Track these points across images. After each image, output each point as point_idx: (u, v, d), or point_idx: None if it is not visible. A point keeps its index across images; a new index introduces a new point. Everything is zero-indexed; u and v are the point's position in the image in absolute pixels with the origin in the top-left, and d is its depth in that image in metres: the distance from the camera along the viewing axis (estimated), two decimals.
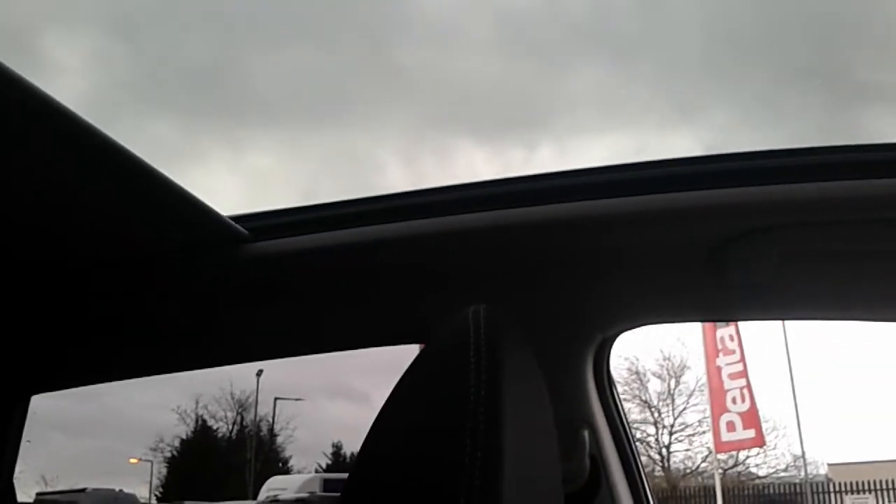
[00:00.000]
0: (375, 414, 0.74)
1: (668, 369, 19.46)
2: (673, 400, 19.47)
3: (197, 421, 23.87)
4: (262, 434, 23.84)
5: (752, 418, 13.00)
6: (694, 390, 18.78)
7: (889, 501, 16.49)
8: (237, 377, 22.89)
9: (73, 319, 1.37)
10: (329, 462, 23.52)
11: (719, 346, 13.35)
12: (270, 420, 23.80)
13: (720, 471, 16.51)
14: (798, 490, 17.67)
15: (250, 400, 23.48)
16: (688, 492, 19.04)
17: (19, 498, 1.63)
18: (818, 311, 1.34)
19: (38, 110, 0.90)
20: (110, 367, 1.57)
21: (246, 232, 1.21)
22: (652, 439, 19.42)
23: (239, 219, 1.21)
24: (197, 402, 23.66)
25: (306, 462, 23.99)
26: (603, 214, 1.14)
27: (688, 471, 19.42)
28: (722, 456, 16.28)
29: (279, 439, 24.17)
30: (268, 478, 17.44)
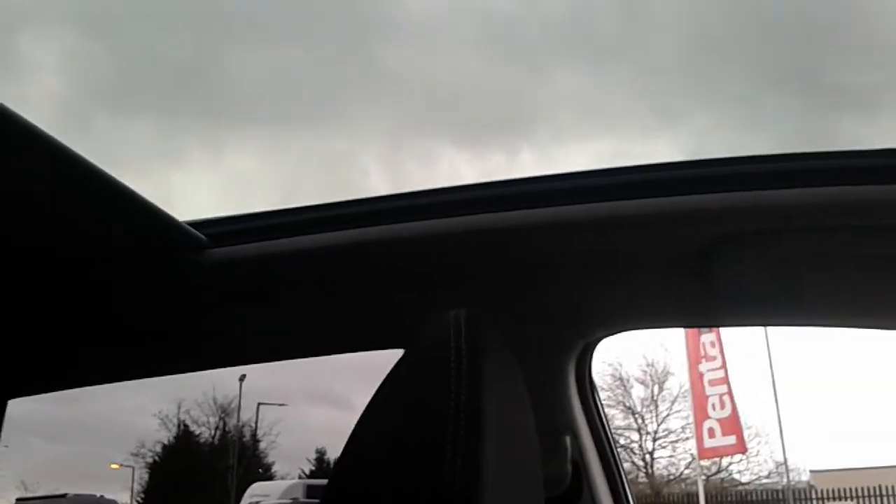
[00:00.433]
0: (357, 419, 0.73)
1: (651, 375, 19.59)
2: (656, 406, 19.59)
3: (179, 426, 23.78)
4: (244, 439, 23.76)
5: (732, 425, 13.08)
6: (677, 396, 18.91)
7: None
8: (220, 382, 22.82)
9: (43, 324, 1.36)
10: (313, 468, 23.48)
11: (702, 353, 13.43)
12: (253, 425, 23.74)
13: (703, 477, 16.60)
14: (780, 497, 17.80)
15: (233, 405, 23.41)
16: (671, 498, 19.13)
17: None
18: (802, 318, 1.34)
19: None
20: (84, 372, 1.56)
21: (205, 238, 1.20)
22: (636, 445, 19.52)
23: (197, 224, 1.20)
24: (179, 407, 23.58)
25: (290, 468, 23.93)
26: (586, 219, 1.14)
27: (671, 477, 19.53)
28: (705, 462, 16.38)
29: (262, 445, 24.11)
30: (250, 484, 17.38)
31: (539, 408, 0.80)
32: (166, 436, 23.54)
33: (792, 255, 1.15)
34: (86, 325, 1.38)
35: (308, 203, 1.25)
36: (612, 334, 1.37)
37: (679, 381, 18.42)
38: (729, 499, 18.48)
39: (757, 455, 18.06)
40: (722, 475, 18.69)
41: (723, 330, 12.68)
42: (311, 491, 15.29)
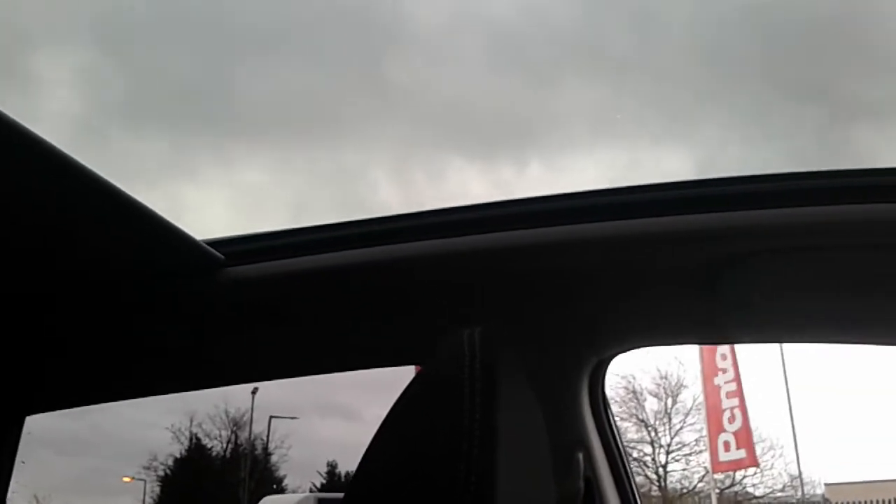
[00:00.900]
0: (368, 432, 0.75)
1: (665, 388, 19.41)
2: (670, 419, 19.40)
3: (191, 439, 23.71)
4: (256, 453, 23.69)
5: (744, 438, 12.97)
6: (691, 409, 18.72)
7: None
8: (232, 395, 22.76)
9: (62, 342, 1.38)
10: (324, 481, 23.37)
11: (718, 366, 13.33)
12: (265, 438, 23.67)
13: (717, 491, 16.45)
14: None
15: (245, 418, 23.36)
16: None
17: None
18: (813, 335, 1.34)
19: (13, 141, 0.90)
20: (101, 389, 1.58)
21: (222, 257, 1.21)
22: (649, 459, 19.33)
23: (215, 243, 1.22)
24: (191, 421, 23.53)
25: (301, 481, 23.84)
26: (597, 238, 1.15)
27: (684, 490, 19.33)
28: (719, 476, 16.22)
29: (273, 458, 24.02)
30: (262, 497, 17.32)
31: (552, 425, 0.81)
32: (178, 449, 23.49)
33: (800, 273, 1.16)
34: (104, 343, 1.40)
35: (319, 219, 1.27)
36: (624, 351, 1.37)
37: (693, 393, 18.27)
38: None
39: (771, 468, 17.86)
40: (735, 489, 18.50)
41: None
42: None
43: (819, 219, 1.08)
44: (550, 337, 1.32)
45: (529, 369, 0.78)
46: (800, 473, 17.53)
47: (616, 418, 1.44)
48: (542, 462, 0.78)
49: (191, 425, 23.48)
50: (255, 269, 1.23)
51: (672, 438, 19.29)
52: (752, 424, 13.12)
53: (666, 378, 19.30)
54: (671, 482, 19.30)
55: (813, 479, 18.86)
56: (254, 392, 21.55)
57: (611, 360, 1.39)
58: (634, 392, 19.25)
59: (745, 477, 17.96)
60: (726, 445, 13.01)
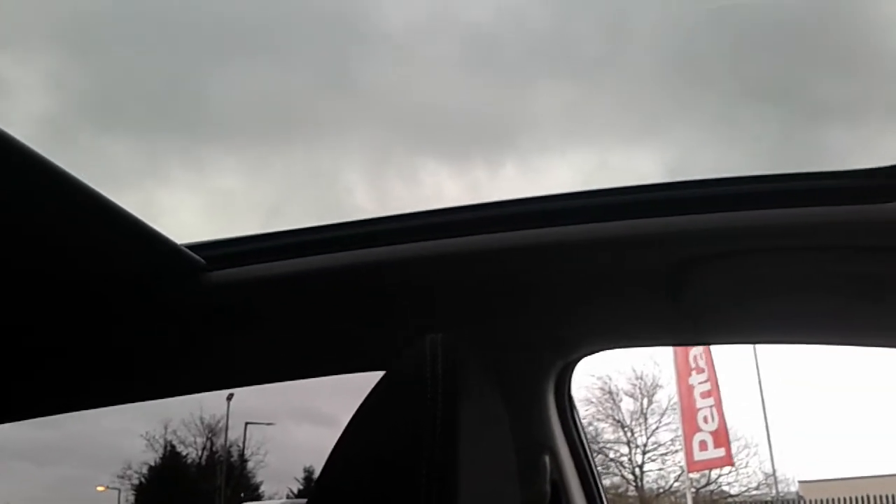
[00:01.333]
0: None
1: (640, 388, 19.52)
2: (646, 419, 19.52)
3: (166, 447, 23.49)
4: (232, 459, 23.52)
5: (721, 437, 13.06)
6: (666, 409, 18.85)
7: None
8: (207, 402, 22.57)
9: (39, 348, 1.36)
10: (301, 487, 23.24)
11: (692, 365, 13.42)
12: (241, 445, 23.51)
13: (693, 490, 16.56)
14: None
15: (220, 425, 23.19)
16: None
17: None
18: (778, 336, 1.36)
19: None
20: (77, 396, 1.55)
21: (203, 261, 1.21)
22: (625, 459, 19.44)
23: (195, 247, 1.21)
24: (166, 428, 23.31)
25: (278, 487, 23.70)
26: (563, 241, 1.15)
27: (661, 490, 19.44)
28: (694, 475, 16.34)
29: (250, 465, 23.86)
30: None
31: (518, 428, 0.82)
32: (153, 457, 23.26)
33: (767, 274, 1.17)
34: (81, 349, 1.38)
35: (294, 223, 1.27)
36: (590, 354, 1.38)
37: (668, 393, 18.39)
38: None
39: (746, 466, 18.02)
40: (711, 487, 18.64)
41: None
42: None
43: (786, 221, 1.09)
44: (516, 340, 1.33)
45: (496, 373, 0.78)
46: (774, 472, 17.71)
47: (592, 419, 1.45)
48: (509, 465, 0.78)
49: (165, 432, 23.26)
50: (234, 273, 1.22)
51: (648, 438, 19.42)
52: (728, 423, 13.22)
53: (641, 378, 19.43)
54: (648, 482, 19.42)
55: (787, 476, 19.07)
56: (229, 398, 21.41)
57: (577, 362, 1.39)
58: (610, 393, 19.35)
59: (720, 476, 18.12)
60: (702, 444, 13.09)
